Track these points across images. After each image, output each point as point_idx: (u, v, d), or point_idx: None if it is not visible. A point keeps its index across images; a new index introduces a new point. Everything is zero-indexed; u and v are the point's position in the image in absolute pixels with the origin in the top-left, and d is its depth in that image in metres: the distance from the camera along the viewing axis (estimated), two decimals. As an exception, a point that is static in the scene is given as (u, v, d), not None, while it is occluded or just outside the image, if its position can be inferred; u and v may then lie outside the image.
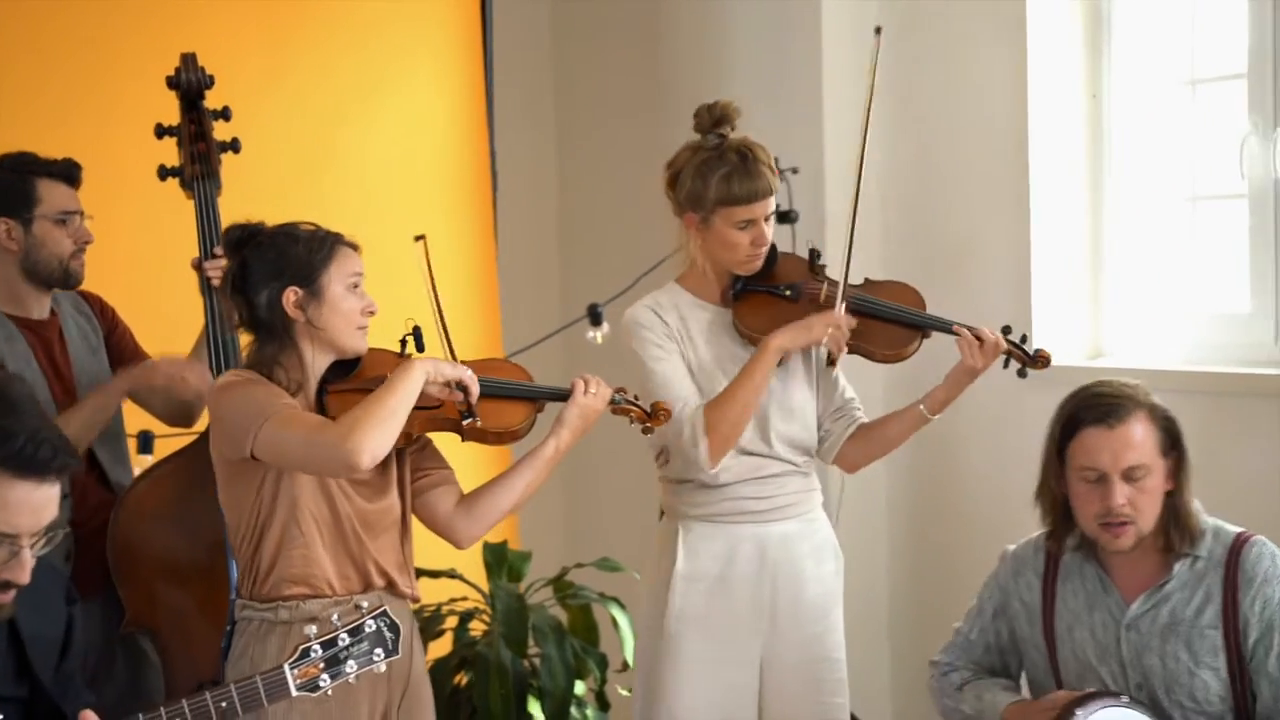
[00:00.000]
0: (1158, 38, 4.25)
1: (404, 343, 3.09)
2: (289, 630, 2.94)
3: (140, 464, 3.63)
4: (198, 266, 3.55)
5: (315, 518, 2.98)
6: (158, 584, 3.49)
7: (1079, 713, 2.94)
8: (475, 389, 3.00)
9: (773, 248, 3.40)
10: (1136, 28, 4.29)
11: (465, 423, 3.02)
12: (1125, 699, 3.00)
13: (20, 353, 3.47)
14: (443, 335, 3.08)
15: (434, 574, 4.25)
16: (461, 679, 4.36)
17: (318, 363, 3.04)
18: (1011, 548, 3.25)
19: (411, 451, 3.13)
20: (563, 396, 3.12)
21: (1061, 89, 4.37)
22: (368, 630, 2.64)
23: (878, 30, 3.36)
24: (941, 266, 4.59)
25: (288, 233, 3.03)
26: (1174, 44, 4.21)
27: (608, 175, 5.25)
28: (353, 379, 3.05)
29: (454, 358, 3.10)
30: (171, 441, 3.60)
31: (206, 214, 3.57)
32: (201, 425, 3.54)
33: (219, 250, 3.45)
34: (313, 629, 2.63)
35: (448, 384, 2.99)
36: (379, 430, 2.86)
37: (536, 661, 4.33)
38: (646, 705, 3.47)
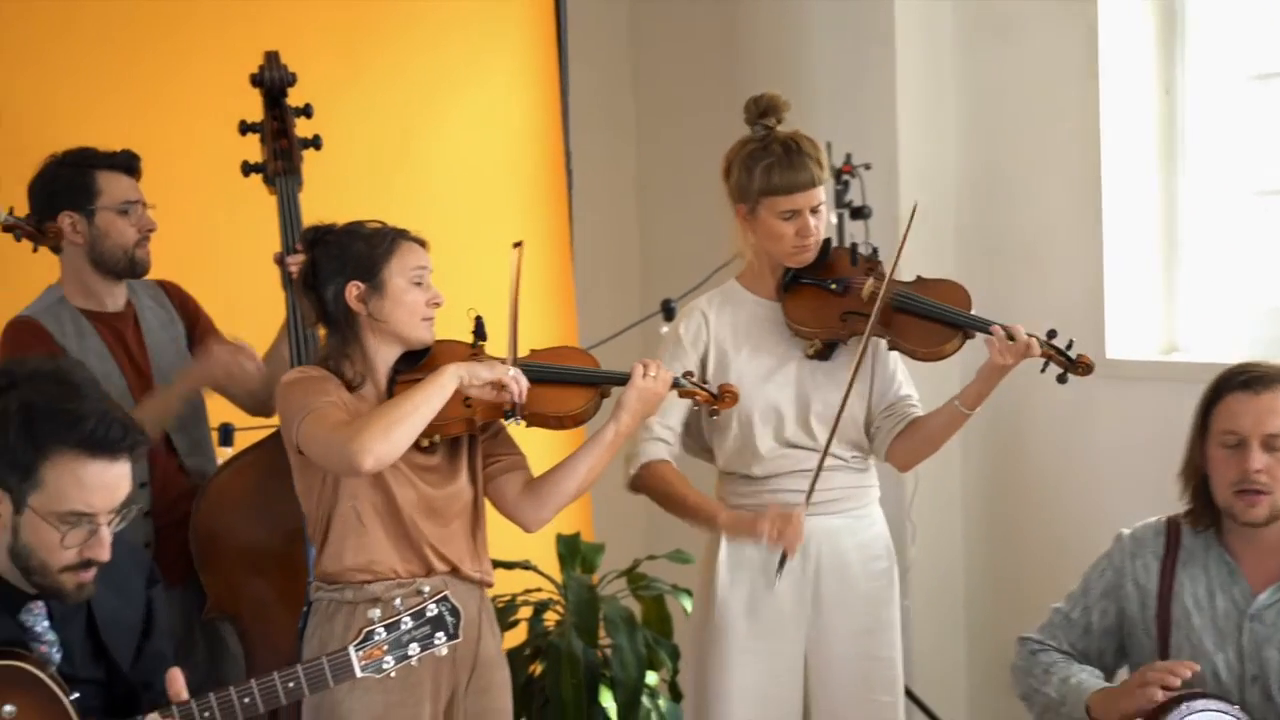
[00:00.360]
0: (1230, 32, 4.23)
1: (476, 333, 3.15)
2: (354, 611, 3.00)
3: (222, 456, 3.68)
4: (280, 261, 3.59)
5: (373, 505, 3.06)
6: (239, 572, 3.53)
7: (1178, 710, 2.90)
8: (516, 388, 3.02)
9: (827, 241, 3.40)
10: (1208, 22, 4.26)
11: (507, 421, 3.07)
12: (1222, 703, 2.95)
13: (94, 348, 3.51)
14: (512, 338, 3.11)
15: (508, 565, 4.28)
16: (535, 669, 4.38)
17: (383, 354, 3.11)
18: (1128, 530, 3.22)
19: (484, 439, 3.18)
20: (623, 381, 3.15)
21: (1134, 84, 4.35)
22: (429, 614, 2.69)
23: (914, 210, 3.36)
24: (1013, 263, 4.58)
25: (352, 230, 3.11)
26: (1246, 38, 4.19)
27: (686, 171, 5.21)
28: (420, 368, 3.10)
29: (514, 358, 3.12)
30: (252, 434, 3.65)
31: (289, 209, 3.60)
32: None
33: (300, 245, 3.48)
34: (376, 612, 2.68)
35: (487, 385, 3.01)
36: (386, 435, 2.92)
37: (609, 652, 4.34)
38: (697, 693, 3.49)
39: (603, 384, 3.17)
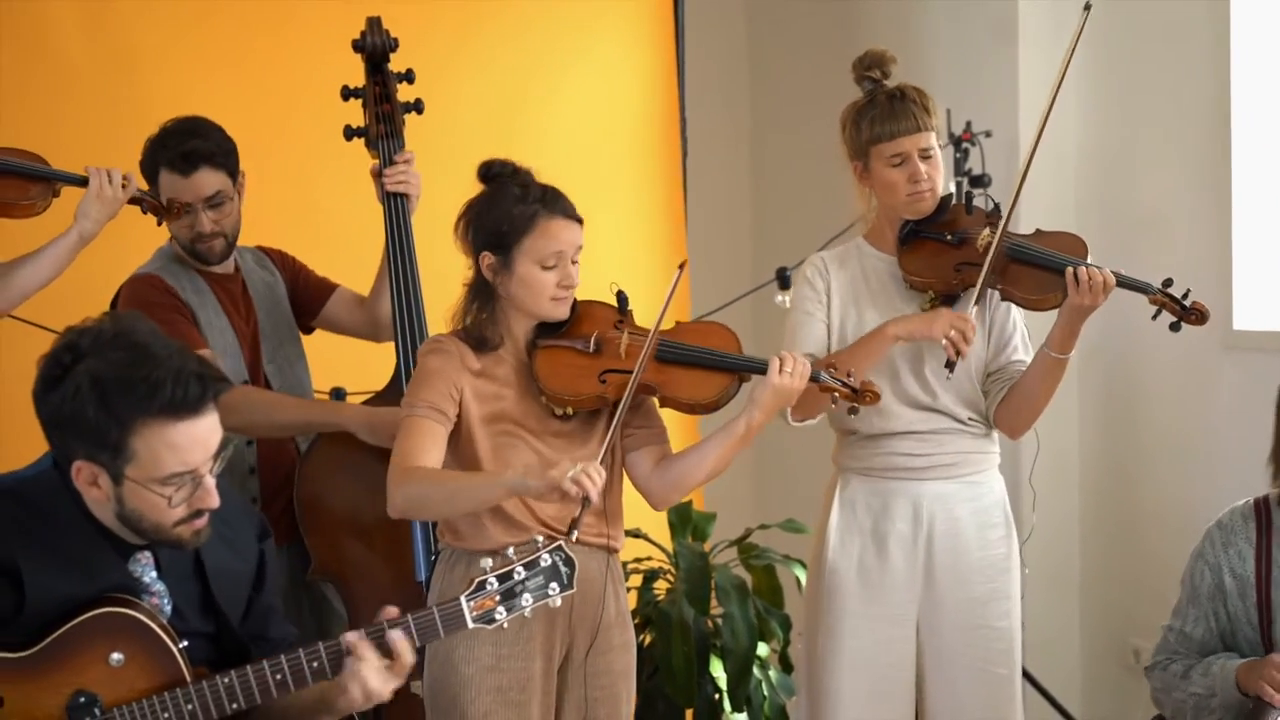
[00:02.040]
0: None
1: (620, 298, 3.03)
2: (472, 560, 2.90)
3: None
4: (376, 174, 3.55)
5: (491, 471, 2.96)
6: (343, 536, 3.47)
7: None
8: (578, 491, 2.71)
9: (946, 198, 3.29)
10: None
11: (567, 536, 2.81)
12: None
13: (210, 304, 3.48)
14: (647, 349, 2.92)
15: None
16: (645, 638, 4.25)
17: (520, 322, 3.01)
18: (1213, 523, 3.02)
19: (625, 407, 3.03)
20: (761, 369, 2.98)
21: (1266, 54, 4.15)
22: (543, 564, 2.57)
23: (1087, 6, 3.19)
24: (1136, 234, 4.43)
25: (501, 191, 2.96)
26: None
27: (801, 141, 5.13)
28: (562, 334, 3.00)
29: (639, 376, 2.92)
30: (361, 397, 3.56)
31: None
32: (380, 383, 3.53)
33: (400, 158, 3.52)
34: (488, 562, 2.57)
35: (548, 493, 2.76)
36: (421, 502, 2.90)
37: (719, 621, 4.22)
38: (809, 659, 3.38)
39: (742, 371, 3.02)
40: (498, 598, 2.53)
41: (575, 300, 3.01)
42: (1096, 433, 4.58)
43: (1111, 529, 4.58)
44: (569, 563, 2.58)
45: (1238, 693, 2.86)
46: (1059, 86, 3.20)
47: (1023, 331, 3.35)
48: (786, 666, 4.31)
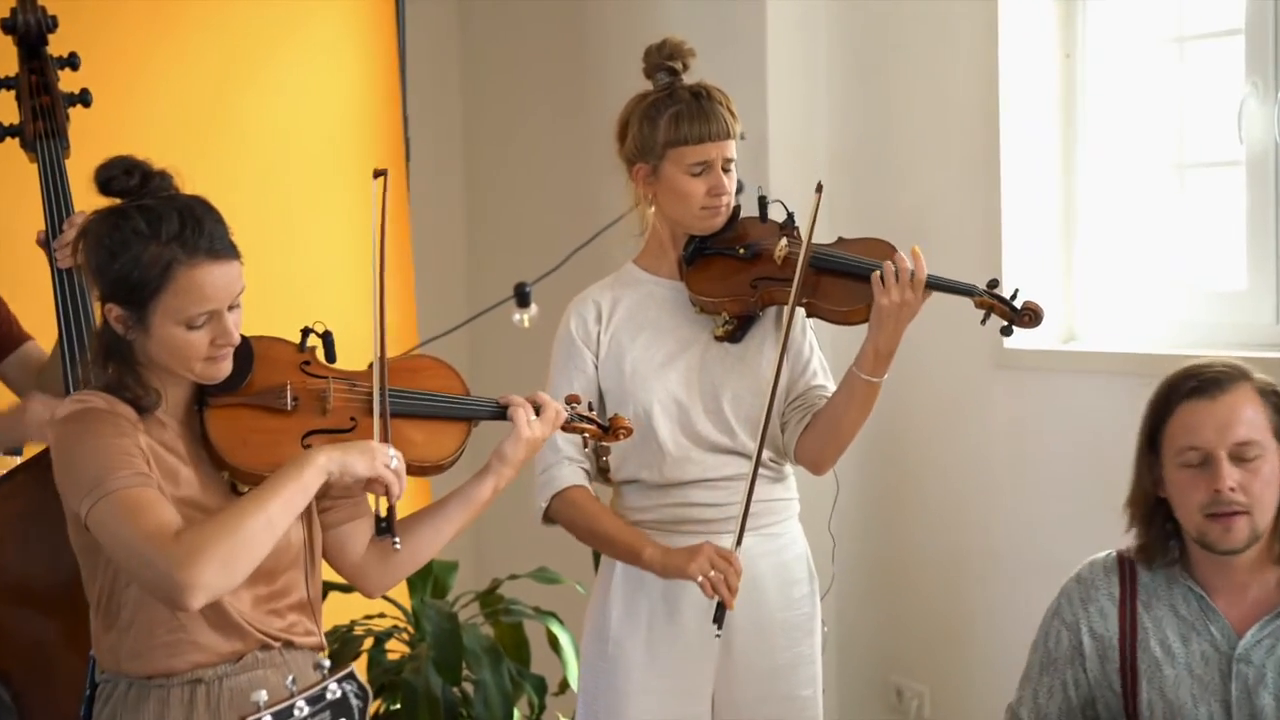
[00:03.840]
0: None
1: (306, 334, 2.39)
2: (167, 696, 2.27)
3: (4, 465, 2.99)
4: (44, 244, 2.95)
5: None
6: (8, 614, 2.87)
7: None
8: (398, 490, 2.27)
9: (736, 209, 2.93)
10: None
11: (380, 538, 2.33)
12: None
13: None
14: (378, 332, 2.35)
15: (345, 588, 3.53)
16: (381, 707, 3.65)
17: (172, 390, 2.31)
18: (1070, 575, 2.61)
19: None
20: (500, 414, 2.43)
21: (1034, 47, 3.82)
22: (329, 697, 1.92)
23: (819, 189, 2.85)
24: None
25: (124, 223, 2.23)
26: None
27: (518, 148, 4.77)
28: (243, 390, 2.32)
29: (383, 375, 2.34)
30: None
31: (53, 179, 2.98)
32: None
33: (70, 224, 2.89)
34: (263, 695, 1.88)
35: (362, 482, 2.25)
36: (228, 565, 2.13)
37: (468, 688, 3.70)
38: None
39: (477, 418, 2.45)
40: None
41: (246, 341, 2.33)
42: (861, 459, 4.16)
43: (872, 562, 4.23)
44: (362, 693, 1.94)
45: None
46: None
47: (819, 355, 2.99)
48: (542, 728, 3.84)
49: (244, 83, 4.04)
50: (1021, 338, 3.74)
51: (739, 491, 2.80)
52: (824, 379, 2.96)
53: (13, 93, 3.02)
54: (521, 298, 3.73)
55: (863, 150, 4.16)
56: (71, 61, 3.05)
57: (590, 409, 2.57)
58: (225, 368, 2.29)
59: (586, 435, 2.54)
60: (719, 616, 2.72)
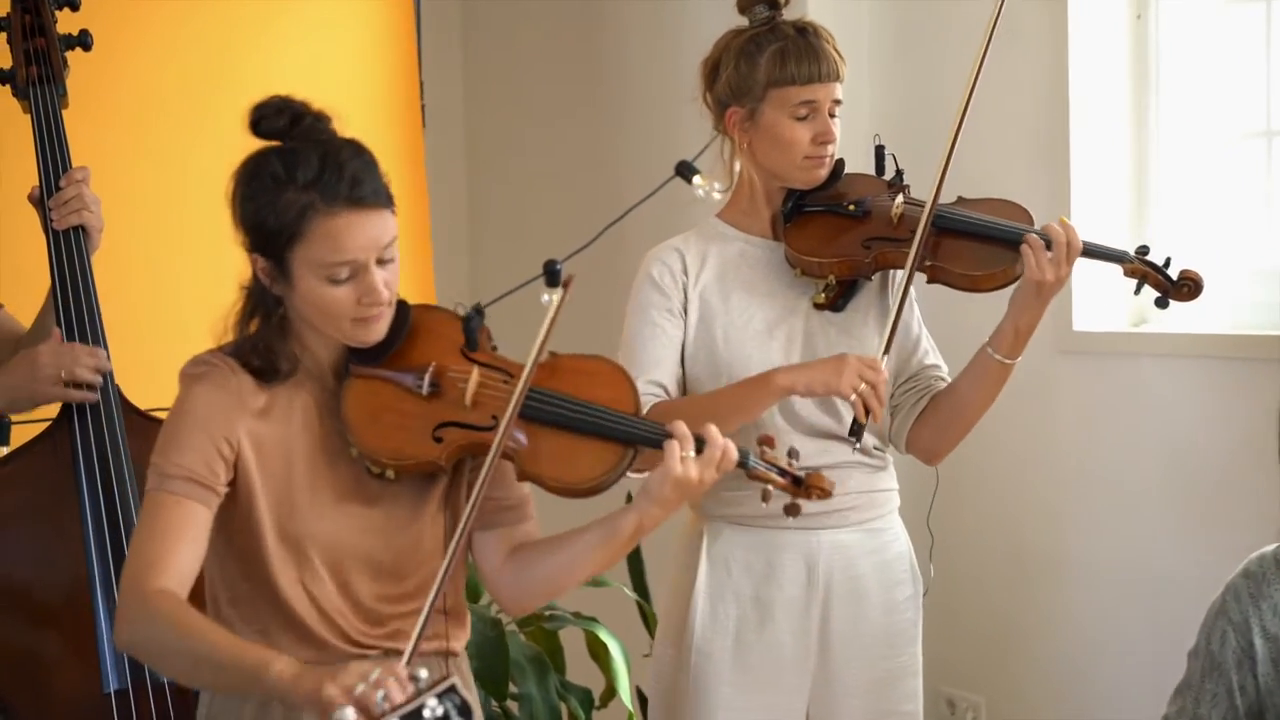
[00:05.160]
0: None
1: (469, 321, 2.11)
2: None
3: None
4: (37, 202, 2.72)
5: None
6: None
7: None
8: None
9: (839, 163, 2.65)
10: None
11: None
12: None
13: None
14: (520, 393, 2.01)
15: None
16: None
17: (318, 347, 2.14)
18: (1236, 572, 2.31)
19: (471, 467, 2.17)
20: (657, 441, 2.06)
21: (1103, 8, 3.61)
22: (428, 716, 1.74)
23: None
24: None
25: (263, 164, 2.06)
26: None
27: (524, 126, 4.43)
28: (387, 361, 2.10)
29: (512, 419, 2.02)
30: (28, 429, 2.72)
31: (48, 130, 2.75)
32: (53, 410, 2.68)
33: (68, 180, 2.68)
34: (349, 712, 1.74)
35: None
36: (161, 656, 2.03)
37: (509, 705, 3.35)
38: None
39: (636, 443, 2.09)
40: None
41: (405, 306, 2.13)
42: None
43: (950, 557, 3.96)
44: (465, 710, 1.75)
45: None
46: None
47: (925, 329, 2.74)
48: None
49: (257, 30, 3.80)
50: (1090, 318, 3.64)
51: (840, 480, 2.41)
52: (936, 358, 2.72)
53: (3, 35, 2.82)
54: (551, 276, 3.45)
55: (912, 123, 3.84)
56: (71, 1, 2.84)
57: (792, 457, 2.13)
58: (379, 330, 2.09)
59: (773, 487, 2.11)
60: (857, 430, 2.52)
